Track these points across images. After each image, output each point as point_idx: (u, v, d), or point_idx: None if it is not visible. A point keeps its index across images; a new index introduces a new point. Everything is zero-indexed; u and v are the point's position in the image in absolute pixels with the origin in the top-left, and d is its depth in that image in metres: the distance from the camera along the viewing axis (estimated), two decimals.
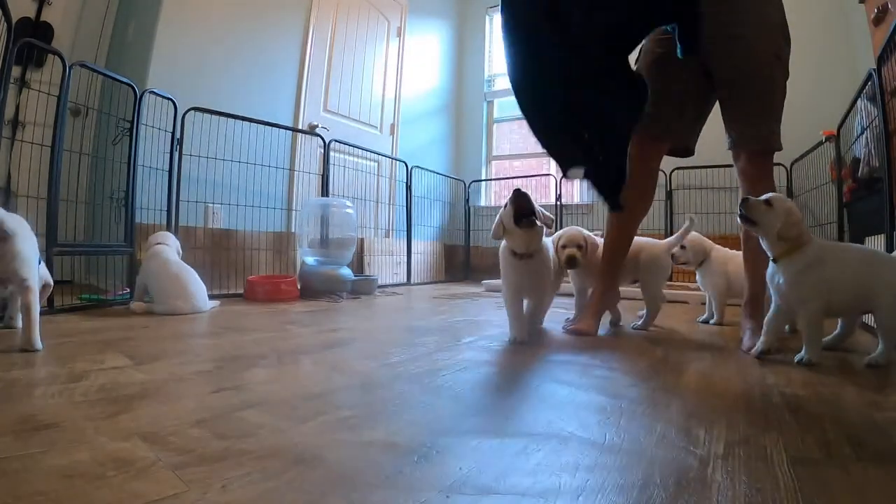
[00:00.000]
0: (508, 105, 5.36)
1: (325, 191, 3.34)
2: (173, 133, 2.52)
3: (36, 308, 1.28)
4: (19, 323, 1.36)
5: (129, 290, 2.21)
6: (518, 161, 5.43)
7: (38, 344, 1.26)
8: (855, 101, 2.21)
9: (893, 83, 1.71)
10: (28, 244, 1.32)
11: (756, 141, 1.58)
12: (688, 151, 1.82)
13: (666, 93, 1.63)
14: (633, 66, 1.70)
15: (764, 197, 1.33)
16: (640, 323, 1.87)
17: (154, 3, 2.76)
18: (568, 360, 1.32)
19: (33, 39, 1.92)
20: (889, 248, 1.60)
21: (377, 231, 4.02)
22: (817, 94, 3.46)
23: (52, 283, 1.64)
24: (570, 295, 3.18)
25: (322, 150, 3.36)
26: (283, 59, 3.42)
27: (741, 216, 1.34)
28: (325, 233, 3.12)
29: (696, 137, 1.80)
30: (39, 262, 1.52)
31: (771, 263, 1.35)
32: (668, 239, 2.01)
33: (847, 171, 2.48)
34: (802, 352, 1.28)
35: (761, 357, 1.35)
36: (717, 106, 1.71)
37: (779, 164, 3.52)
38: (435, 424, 0.80)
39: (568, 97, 1.36)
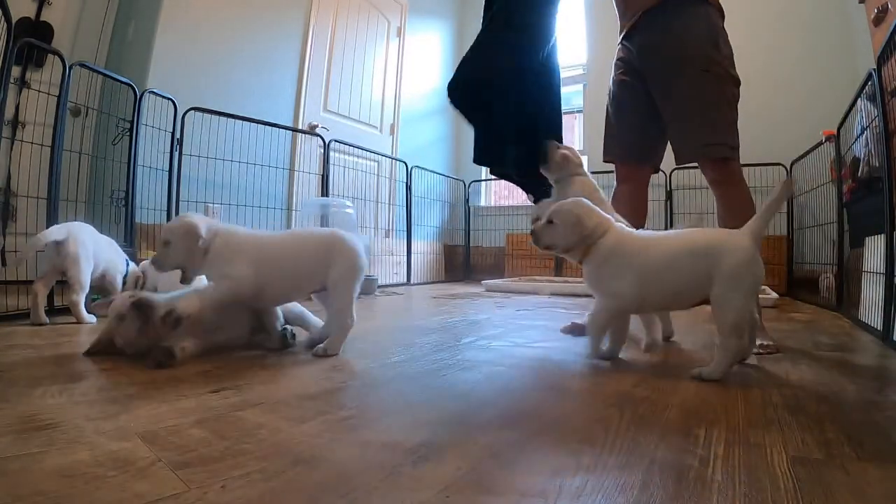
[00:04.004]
0: None
1: (325, 191, 3.34)
2: (173, 133, 2.52)
3: (79, 297, 1.67)
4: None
5: None
6: None
7: (43, 318, 1.62)
8: (855, 101, 2.21)
9: (893, 83, 1.71)
10: (77, 247, 1.66)
11: (691, 153, 1.61)
12: (655, 169, 1.88)
13: (632, 123, 1.76)
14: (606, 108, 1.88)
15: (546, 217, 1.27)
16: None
17: (154, 3, 2.76)
18: (568, 360, 1.32)
19: (33, 39, 1.92)
20: (889, 248, 1.60)
21: (377, 231, 4.02)
22: (817, 94, 3.45)
23: (141, 273, 2.02)
24: (570, 295, 3.21)
25: (322, 150, 3.36)
26: (283, 59, 3.42)
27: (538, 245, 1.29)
28: None
29: (662, 155, 1.84)
30: (128, 264, 1.95)
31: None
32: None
33: (847, 171, 2.48)
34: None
35: None
36: None
37: (779, 164, 3.52)
38: (435, 424, 0.80)
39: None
